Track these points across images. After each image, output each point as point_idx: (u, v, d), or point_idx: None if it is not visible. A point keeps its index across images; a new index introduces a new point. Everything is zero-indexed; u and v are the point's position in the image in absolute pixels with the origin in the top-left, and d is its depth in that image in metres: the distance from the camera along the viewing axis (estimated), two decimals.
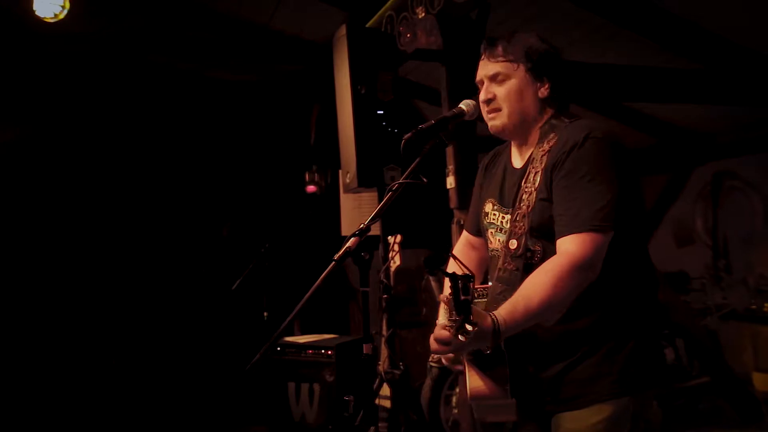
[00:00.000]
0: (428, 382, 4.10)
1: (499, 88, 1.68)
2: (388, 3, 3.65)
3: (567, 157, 1.56)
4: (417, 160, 1.62)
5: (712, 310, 4.78)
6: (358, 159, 3.01)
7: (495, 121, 1.70)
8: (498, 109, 1.68)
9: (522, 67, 1.66)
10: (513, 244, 1.62)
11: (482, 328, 1.38)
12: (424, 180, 1.61)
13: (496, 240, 1.74)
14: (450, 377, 4.06)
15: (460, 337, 1.31)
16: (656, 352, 1.69)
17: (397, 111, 3.15)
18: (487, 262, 1.87)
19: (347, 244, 1.51)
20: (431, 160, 1.68)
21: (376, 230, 3.22)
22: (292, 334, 4.33)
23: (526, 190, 1.62)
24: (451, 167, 3.14)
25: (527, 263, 1.59)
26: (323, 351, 3.85)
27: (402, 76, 4.77)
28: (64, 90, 5.04)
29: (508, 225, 1.66)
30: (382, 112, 3.08)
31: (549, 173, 1.59)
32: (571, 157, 1.56)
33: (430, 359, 4.11)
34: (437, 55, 3.23)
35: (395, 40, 3.37)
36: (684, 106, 4.81)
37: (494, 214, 1.75)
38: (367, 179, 3.04)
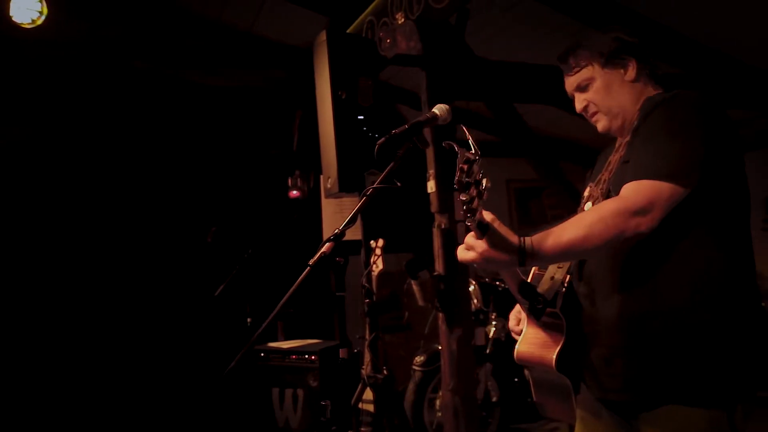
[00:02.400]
0: (411, 386, 4.11)
1: (587, 94, 1.70)
2: (369, 8, 3.66)
3: (650, 114, 1.51)
4: (391, 164, 1.62)
5: None
6: (339, 164, 3.01)
7: (600, 124, 1.71)
8: (596, 113, 1.70)
9: (597, 65, 1.66)
10: (588, 206, 1.59)
11: (506, 236, 1.31)
12: (398, 184, 1.61)
13: (579, 210, 1.67)
14: (433, 381, 4.07)
15: (461, 197, 1.22)
16: (761, 358, 1.45)
17: (377, 116, 3.16)
18: None
19: (322, 249, 1.51)
20: (409, 165, 1.69)
21: (357, 235, 3.23)
22: (276, 340, 4.32)
23: (614, 159, 1.61)
24: (431, 171, 3.15)
25: None
26: (307, 356, 3.85)
27: (384, 81, 4.79)
28: (46, 97, 5.01)
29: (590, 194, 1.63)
30: (362, 117, 3.09)
31: (634, 135, 1.54)
32: (653, 113, 1.51)
33: (414, 363, 4.13)
34: (417, 60, 3.24)
35: (376, 46, 3.39)
36: None
37: (586, 194, 1.71)
38: (348, 184, 3.03)
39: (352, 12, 3.87)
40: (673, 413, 1.43)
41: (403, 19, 3.21)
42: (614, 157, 1.61)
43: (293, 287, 1.49)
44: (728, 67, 4.14)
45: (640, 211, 1.37)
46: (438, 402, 4.03)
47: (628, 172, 1.46)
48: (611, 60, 1.66)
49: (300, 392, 3.85)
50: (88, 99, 5.19)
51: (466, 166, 1.21)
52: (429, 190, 3.18)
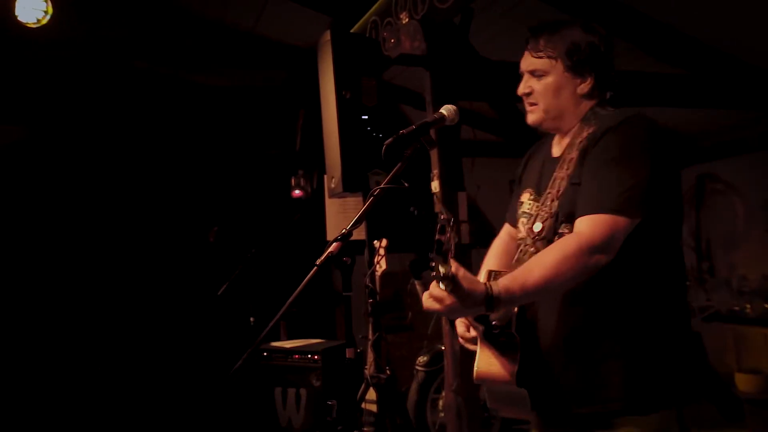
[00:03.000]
0: (414, 386, 4.11)
1: (537, 83, 1.68)
2: (373, 8, 3.66)
3: (599, 140, 1.53)
4: (398, 165, 1.62)
5: (695, 312, 4.84)
6: (343, 164, 3.00)
7: (531, 116, 1.71)
8: (534, 105, 1.69)
9: (560, 64, 1.64)
10: (537, 227, 1.61)
11: (473, 292, 1.34)
12: (406, 185, 1.61)
13: (525, 228, 1.70)
14: (436, 381, 4.07)
15: (441, 285, 1.29)
16: (700, 362, 1.62)
17: (382, 116, 3.16)
18: (510, 257, 1.82)
19: (329, 249, 1.51)
20: (414, 165, 1.69)
21: (361, 235, 3.23)
22: (279, 339, 4.32)
23: (560, 176, 1.61)
24: (435, 171, 3.15)
25: None
26: (310, 356, 3.85)
27: (388, 81, 4.79)
28: (49, 96, 5.01)
29: (536, 211, 1.65)
30: (366, 117, 3.08)
31: (582, 158, 1.56)
32: (603, 138, 1.52)
33: (417, 363, 4.13)
34: (421, 60, 3.24)
35: (380, 46, 3.38)
36: (665, 110, 4.86)
37: (529, 204, 1.73)
38: (351, 184, 3.03)
39: (355, 12, 3.87)
40: (626, 423, 1.50)
41: (407, 19, 3.21)
42: (559, 174, 1.61)
43: (300, 287, 1.49)
44: (730, 67, 4.14)
45: (601, 248, 1.42)
46: (441, 402, 4.03)
47: (581, 202, 1.49)
48: (574, 67, 1.64)
49: (303, 392, 3.85)
50: (91, 99, 5.20)
51: (441, 229, 1.28)
52: (433, 190, 3.19)
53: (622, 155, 1.47)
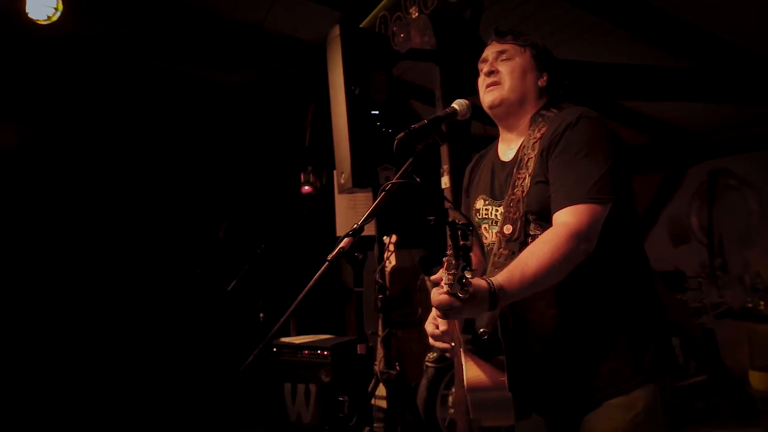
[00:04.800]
0: (424, 382, 4.08)
1: (503, 64, 1.73)
2: (382, 3, 3.65)
3: (561, 137, 1.59)
4: (410, 160, 1.61)
5: (708, 309, 4.79)
6: (353, 159, 3.00)
7: (494, 93, 1.73)
8: (498, 83, 1.72)
9: (528, 52, 1.72)
10: (508, 228, 1.63)
11: (477, 290, 1.36)
12: (417, 180, 1.60)
13: (491, 233, 1.73)
14: (446, 377, 4.06)
15: (459, 294, 1.30)
16: (666, 340, 1.69)
17: (391, 111, 3.15)
18: (483, 263, 1.86)
19: (340, 245, 1.50)
20: (425, 160, 1.68)
21: (371, 230, 3.22)
22: (288, 335, 4.33)
23: (519, 176, 1.64)
24: (445, 167, 3.14)
25: (524, 247, 1.57)
26: (319, 352, 3.85)
27: (397, 76, 4.77)
28: (59, 93, 5.03)
29: (501, 214, 1.67)
30: (376, 112, 3.07)
31: (544, 156, 1.61)
32: (565, 136, 1.59)
33: (426, 359, 4.11)
34: (431, 55, 3.22)
35: (389, 40, 3.37)
36: (679, 105, 4.82)
37: (486, 209, 1.76)
38: (361, 179, 3.03)
39: (364, 7, 3.85)
40: (616, 407, 1.57)
41: (417, 14, 3.19)
42: (519, 174, 1.64)
43: (311, 282, 1.48)
44: (745, 60, 4.08)
45: (586, 235, 1.49)
46: (451, 399, 4.02)
47: (559, 195, 1.55)
48: (539, 60, 1.74)
49: (312, 387, 3.85)
50: (101, 96, 5.22)
51: (463, 234, 1.31)
52: (443, 186, 3.17)
53: (590, 147, 1.56)
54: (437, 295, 1.38)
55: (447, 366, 4.11)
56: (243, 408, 4.77)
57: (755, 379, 4.37)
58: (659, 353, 1.62)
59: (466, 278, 1.30)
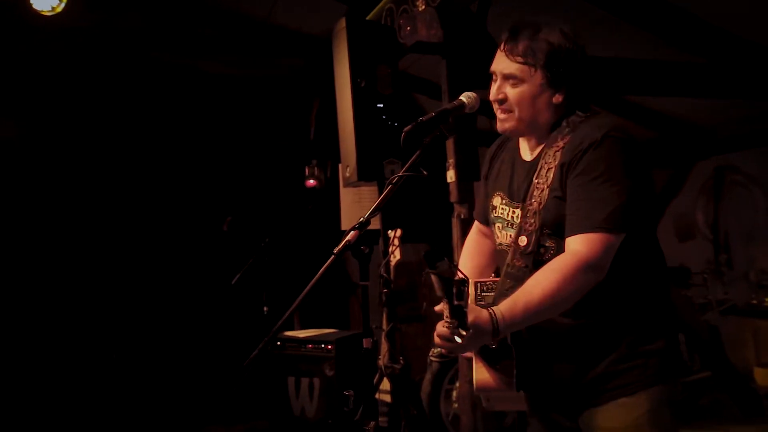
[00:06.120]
0: (428, 376, 4.09)
1: (512, 90, 1.61)
2: None
3: (583, 156, 1.53)
4: (417, 152, 1.60)
5: (713, 305, 4.77)
6: (358, 153, 2.99)
7: (505, 124, 1.65)
8: (509, 111, 1.63)
9: (539, 74, 1.58)
10: (522, 240, 1.60)
11: (479, 326, 1.40)
12: (425, 173, 1.59)
13: (504, 235, 1.70)
14: (450, 372, 4.06)
15: (456, 338, 1.33)
16: (675, 342, 1.67)
17: (397, 104, 3.13)
18: (493, 262, 1.86)
19: (347, 238, 1.50)
20: (432, 154, 1.66)
21: (376, 224, 3.20)
22: (292, 329, 4.32)
23: (538, 186, 1.59)
24: (451, 161, 3.12)
25: (538, 260, 1.57)
26: (323, 345, 3.84)
27: (402, 70, 4.75)
28: (64, 85, 5.03)
29: (518, 220, 1.64)
30: (381, 105, 3.06)
31: (563, 170, 1.55)
32: (587, 155, 1.52)
33: (431, 354, 4.11)
34: (437, 48, 3.20)
35: (395, 33, 3.35)
36: (686, 100, 4.78)
37: (503, 209, 1.72)
38: (367, 173, 3.02)
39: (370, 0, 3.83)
40: (620, 406, 1.56)
41: (423, 6, 3.17)
42: (538, 183, 1.60)
43: (317, 275, 1.48)
44: (753, 55, 4.05)
45: (596, 266, 1.48)
46: (455, 393, 4.01)
47: (573, 220, 1.52)
48: (551, 78, 1.59)
49: (316, 381, 3.85)
50: (106, 89, 5.21)
51: (458, 294, 1.31)
52: (448, 180, 3.16)
53: (610, 173, 1.51)
54: (439, 328, 1.44)
55: (451, 361, 4.10)
56: (246, 401, 4.77)
57: (760, 375, 4.36)
58: (668, 355, 1.60)
59: (462, 333, 1.32)
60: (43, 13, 3.75)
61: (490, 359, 1.62)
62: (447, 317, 1.33)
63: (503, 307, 1.43)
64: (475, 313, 1.40)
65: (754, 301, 4.94)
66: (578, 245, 1.49)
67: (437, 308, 1.45)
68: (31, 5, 3.74)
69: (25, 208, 4.88)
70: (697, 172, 5.65)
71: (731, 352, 4.57)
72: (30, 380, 4.61)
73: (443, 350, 1.63)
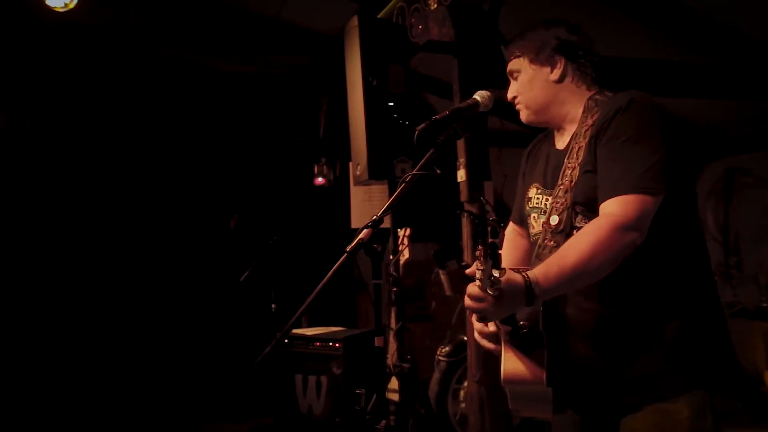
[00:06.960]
0: (436, 375, 4.09)
1: (515, 83, 1.75)
2: None
3: (611, 123, 1.51)
4: (431, 151, 1.60)
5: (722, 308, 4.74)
6: (369, 151, 2.99)
7: (521, 114, 1.76)
8: (519, 104, 1.75)
9: (526, 59, 1.70)
10: (554, 220, 1.57)
11: (512, 284, 1.32)
12: (438, 171, 1.59)
13: (539, 223, 1.67)
14: (458, 371, 4.06)
15: (489, 291, 1.26)
16: (725, 338, 1.57)
17: (408, 103, 3.13)
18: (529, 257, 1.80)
19: (360, 236, 1.49)
20: (444, 152, 1.66)
21: (386, 223, 3.20)
22: (300, 327, 4.33)
23: (569, 165, 1.58)
24: (462, 160, 3.11)
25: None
26: (331, 344, 3.85)
27: (413, 69, 4.74)
28: (72, 81, 5.04)
29: (550, 204, 1.61)
30: (393, 104, 3.06)
31: (593, 143, 1.54)
32: (614, 121, 1.50)
33: (438, 353, 4.11)
34: (449, 47, 3.19)
35: (407, 32, 3.34)
36: (695, 101, 4.75)
37: (538, 198, 1.70)
38: (377, 172, 3.02)
39: None
40: (656, 412, 1.48)
41: (435, 5, 3.16)
42: (569, 164, 1.58)
43: (330, 273, 1.47)
44: (763, 55, 4.02)
45: (633, 226, 1.41)
46: (462, 393, 4.01)
47: (606, 184, 1.47)
48: (539, 57, 1.68)
49: (323, 379, 3.85)
50: (115, 85, 5.22)
51: (493, 231, 1.26)
52: (459, 179, 3.15)
53: (640, 134, 1.47)
54: (470, 288, 1.34)
55: (459, 360, 4.11)
56: (253, 399, 4.78)
57: None
58: (714, 358, 1.52)
59: (495, 276, 1.26)
60: (56, 10, 3.77)
61: (521, 345, 1.54)
62: (479, 267, 1.26)
63: (537, 271, 1.37)
64: (508, 274, 1.33)
65: (764, 304, 4.91)
66: (612, 207, 1.43)
67: (468, 271, 1.38)
68: (44, 1, 3.75)
69: (34, 203, 4.90)
70: (707, 174, 5.61)
71: (741, 355, 4.53)
72: (30, 381, 4.62)
73: (474, 317, 1.52)
